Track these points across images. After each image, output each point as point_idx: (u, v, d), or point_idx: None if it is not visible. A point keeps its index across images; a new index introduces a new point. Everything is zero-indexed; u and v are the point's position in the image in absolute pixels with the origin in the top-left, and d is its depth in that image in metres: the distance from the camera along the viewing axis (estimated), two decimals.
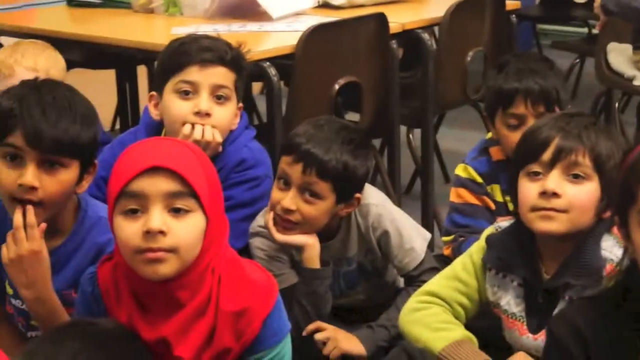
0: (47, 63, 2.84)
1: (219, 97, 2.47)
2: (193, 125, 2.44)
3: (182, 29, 3.22)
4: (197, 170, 1.79)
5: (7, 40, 4.19)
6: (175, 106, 2.46)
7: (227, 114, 2.49)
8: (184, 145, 1.89)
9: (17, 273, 2.07)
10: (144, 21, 3.72)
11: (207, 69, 2.45)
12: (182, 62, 2.46)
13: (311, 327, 2.35)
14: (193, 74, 2.45)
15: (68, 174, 2.06)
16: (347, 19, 3.27)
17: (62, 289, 2.13)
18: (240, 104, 2.55)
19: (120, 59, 4.27)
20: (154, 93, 2.55)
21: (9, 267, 2.08)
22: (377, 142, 3.87)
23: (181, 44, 2.52)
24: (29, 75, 2.60)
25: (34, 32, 3.73)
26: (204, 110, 2.44)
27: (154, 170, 1.74)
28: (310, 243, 2.33)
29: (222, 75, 2.47)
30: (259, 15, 3.44)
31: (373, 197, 2.43)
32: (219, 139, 2.46)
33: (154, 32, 3.61)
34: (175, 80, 2.46)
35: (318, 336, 2.34)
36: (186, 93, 2.46)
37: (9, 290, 2.22)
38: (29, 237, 2.04)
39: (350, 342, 2.35)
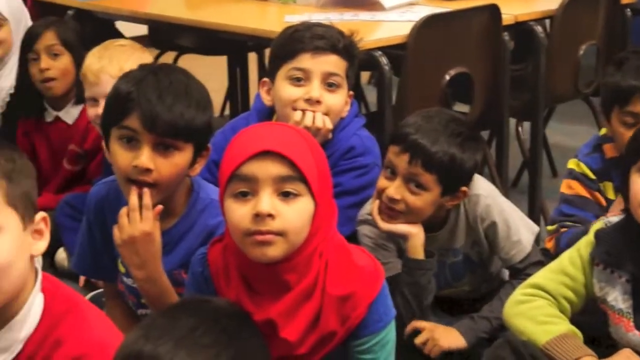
0: (134, 66, 2.82)
1: (330, 85, 2.49)
2: (304, 111, 2.47)
3: (295, 17, 3.24)
4: (307, 156, 1.81)
5: (122, 25, 4.31)
6: (287, 92, 2.49)
7: (337, 102, 2.51)
8: (295, 130, 1.92)
9: (129, 253, 2.13)
10: (257, 8, 3.76)
11: (319, 56, 2.48)
12: (295, 50, 2.49)
13: (409, 329, 2.36)
14: (305, 61, 2.48)
15: (182, 157, 2.11)
16: (459, 10, 3.26)
17: (172, 269, 2.18)
18: (351, 92, 2.57)
19: (232, 45, 4.33)
20: (266, 79, 2.59)
21: (121, 248, 2.14)
22: (485, 134, 3.84)
23: (294, 31, 2.54)
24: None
25: (148, 17, 3.81)
26: (315, 98, 2.46)
27: (265, 154, 1.77)
28: (414, 232, 2.34)
29: (333, 63, 2.49)
30: (371, 4, 3.44)
31: (482, 187, 2.42)
32: (329, 125, 2.48)
33: (266, 19, 3.65)
34: (288, 67, 2.50)
35: (417, 341, 2.34)
36: (298, 80, 2.48)
37: (121, 269, 2.28)
38: (143, 219, 2.09)
39: (449, 338, 2.35)
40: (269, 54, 2.66)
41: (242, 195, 1.79)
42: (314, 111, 2.46)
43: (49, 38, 3.33)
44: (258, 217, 1.76)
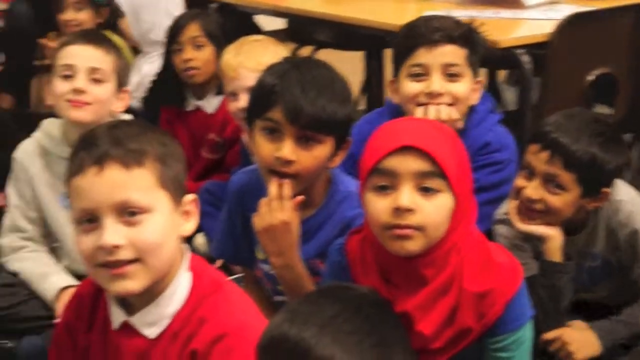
0: (270, 60, 2.82)
1: (451, 75, 2.47)
2: (427, 106, 2.46)
3: (434, 13, 3.24)
4: (447, 151, 1.81)
5: (261, 19, 4.39)
6: (408, 89, 2.50)
7: (461, 89, 2.49)
8: (436, 125, 1.92)
9: (268, 241, 2.17)
10: (396, 4, 3.78)
11: (435, 49, 2.46)
12: (411, 46, 2.49)
13: (544, 338, 2.32)
14: (422, 56, 2.47)
15: (323, 150, 2.14)
16: (604, 9, 3.20)
17: (309, 258, 2.21)
18: (480, 79, 2.55)
19: (369, 40, 4.35)
20: (393, 79, 2.60)
21: (260, 235, 2.18)
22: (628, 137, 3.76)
23: (410, 27, 2.54)
24: (253, 77, 2.58)
25: (287, 12, 3.87)
26: (436, 91, 2.45)
27: (406, 149, 1.78)
28: (552, 234, 2.31)
29: (451, 54, 2.47)
30: (512, 2, 3.41)
31: (625, 194, 2.37)
32: (456, 116, 2.47)
33: (405, 15, 3.64)
34: (408, 64, 2.50)
35: (551, 347, 2.31)
36: (418, 75, 2.48)
37: (259, 256, 2.33)
38: (282, 208, 2.14)
39: (584, 347, 2.30)
40: (392, 53, 2.67)
41: (382, 189, 1.81)
42: (437, 104, 2.46)
43: (194, 30, 3.41)
44: (398, 211, 1.78)
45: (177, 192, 1.67)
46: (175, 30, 3.45)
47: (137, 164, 1.62)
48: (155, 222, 1.62)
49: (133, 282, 1.62)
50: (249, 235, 2.29)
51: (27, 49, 4.73)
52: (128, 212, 1.60)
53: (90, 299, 1.79)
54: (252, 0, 3.95)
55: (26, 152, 2.70)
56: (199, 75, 3.41)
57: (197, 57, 3.39)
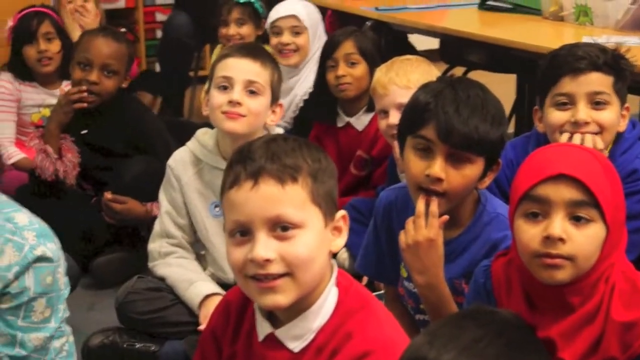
0: (421, 78, 2.81)
1: (597, 103, 2.42)
2: (572, 134, 2.42)
3: (591, 39, 3.19)
4: (602, 181, 1.78)
5: (414, 38, 4.41)
6: (554, 118, 2.46)
7: (608, 118, 2.43)
8: (591, 153, 1.88)
9: (412, 258, 2.18)
10: (552, 28, 3.74)
11: (580, 77, 2.42)
12: (555, 75, 2.45)
13: None
14: (567, 85, 2.43)
15: (473, 170, 2.14)
16: None
17: (453, 277, 2.21)
18: (627, 105, 2.49)
19: (523, 63, 4.30)
20: (537, 107, 2.57)
21: (405, 252, 2.19)
22: None
23: (554, 56, 2.50)
24: (403, 94, 2.69)
25: (442, 32, 3.88)
26: (582, 120, 2.41)
27: (560, 177, 1.75)
28: None
29: (597, 82, 2.42)
30: None
31: None
32: (600, 145, 2.41)
33: (561, 39, 3.61)
34: (553, 94, 2.46)
35: None
36: (563, 104, 2.44)
37: (403, 273, 2.33)
38: (428, 226, 2.14)
39: None
40: (537, 83, 2.63)
41: (533, 216, 1.79)
42: (583, 133, 2.41)
43: (348, 47, 3.46)
44: (548, 239, 1.75)
45: (328, 208, 1.69)
46: (331, 47, 3.50)
47: (292, 180, 1.64)
48: (306, 237, 1.64)
49: (282, 297, 1.64)
50: (394, 252, 2.30)
51: (183, 59, 4.88)
52: (280, 227, 1.63)
53: (238, 309, 1.82)
54: (408, 19, 3.97)
55: (179, 160, 2.77)
56: (350, 91, 3.44)
57: (350, 73, 3.43)
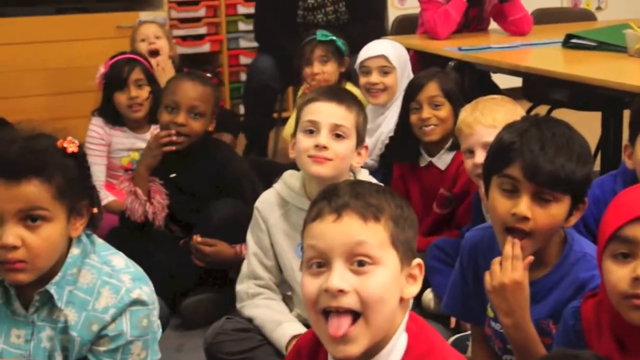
0: (506, 117, 2.80)
1: None
2: None
3: None
4: None
5: (497, 77, 4.41)
6: None
7: None
8: None
9: (498, 300, 2.17)
10: (638, 66, 3.70)
11: None
12: None
13: None
14: None
15: (559, 209, 2.12)
16: None
17: (540, 318, 2.19)
18: None
19: (608, 101, 4.27)
20: (627, 144, 2.54)
21: (491, 294, 2.18)
22: None
23: None
24: (489, 133, 2.67)
25: (525, 70, 3.87)
26: None
27: None
28: None
29: None
30: None
31: None
32: None
33: None
34: None
35: None
36: None
37: (490, 313, 2.32)
38: (513, 268, 2.13)
39: None
40: (629, 118, 2.61)
41: (622, 257, 1.78)
42: None
43: (432, 89, 3.47)
44: (637, 280, 1.74)
45: (406, 255, 1.68)
46: (414, 89, 3.52)
47: (374, 219, 1.65)
48: (381, 275, 1.63)
49: (354, 346, 1.62)
50: (480, 292, 2.29)
51: (267, 101, 4.94)
52: (358, 261, 1.63)
53: (309, 354, 1.81)
54: (491, 59, 3.97)
55: (266, 202, 2.80)
56: (436, 134, 3.45)
57: (435, 115, 3.45)
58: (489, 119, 2.87)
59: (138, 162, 3.52)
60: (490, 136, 2.49)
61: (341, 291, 1.61)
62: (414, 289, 1.70)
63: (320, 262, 1.65)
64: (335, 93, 2.74)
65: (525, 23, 4.69)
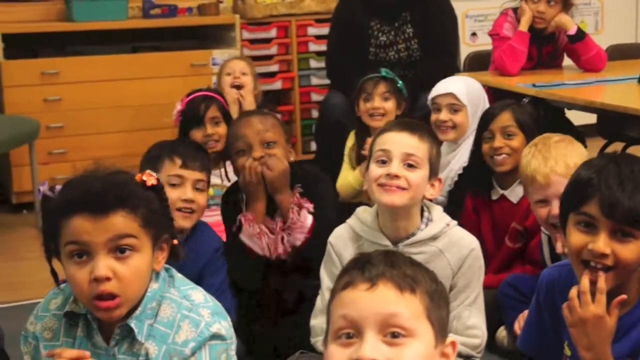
0: (578, 161, 2.75)
1: None
2: None
3: None
4: None
5: (572, 113, 4.38)
6: None
7: None
8: None
9: (579, 334, 2.15)
10: None
11: None
12: None
13: None
14: None
15: (638, 245, 2.10)
16: None
17: (620, 357, 2.16)
18: None
19: None
20: None
21: (571, 328, 2.16)
22: None
23: None
24: (564, 183, 2.45)
25: (600, 107, 3.85)
26: None
27: None
28: None
29: None
30: None
31: None
32: None
33: None
34: None
35: None
36: None
37: (567, 352, 2.29)
38: (595, 302, 2.11)
39: None
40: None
41: None
42: None
43: (505, 119, 3.48)
44: None
45: (440, 331, 1.64)
46: (488, 119, 3.52)
47: (410, 290, 1.61)
48: (416, 348, 1.58)
49: None
50: (557, 330, 2.27)
51: (339, 138, 4.96)
52: (391, 333, 1.57)
53: None
54: (566, 96, 3.96)
55: (340, 237, 2.81)
56: (507, 164, 3.45)
57: (507, 144, 3.44)
58: (562, 167, 2.90)
59: (249, 202, 3.41)
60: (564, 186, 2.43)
61: None
62: None
63: (350, 333, 1.59)
64: (408, 124, 2.75)
65: (599, 60, 4.67)
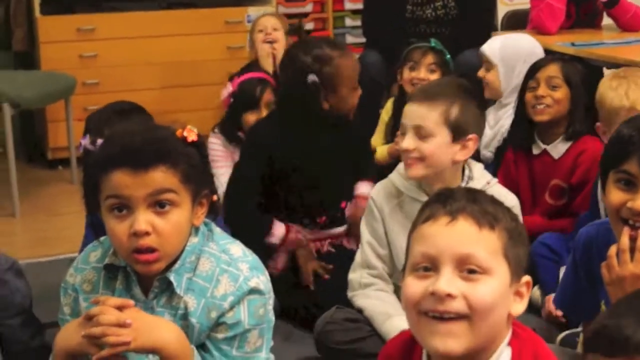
0: None
1: None
2: None
3: None
4: None
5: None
6: None
7: None
8: None
9: (616, 293, 2.12)
10: None
11: None
12: None
13: None
14: None
15: None
16: None
17: None
18: None
19: None
20: None
21: (609, 286, 2.14)
22: None
23: None
24: None
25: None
26: None
27: None
28: None
29: None
30: None
31: None
32: None
33: None
34: None
35: None
36: None
37: (603, 310, 2.28)
38: (634, 260, 2.09)
39: None
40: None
41: None
42: None
43: (552, 70, 3.47)
44: None
45: (516, 269, 1.65)
46: (535, 68, 3.50)
47: (490, 227, 1.62)
48: (491, 284, 1.60)
49: (455, 342, 1.59)
50: (594, 289, 2.26)
51: (374, 97, 4.94)
52: (468, 270, 1.60)
53: (401, 358, 1.77)
54: (605, 55, 3.95)
55: (381, 192, 2.83)
56: (546, 114, 3.43)
57: (550, 95, 3.42)
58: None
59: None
60: None
61: (449, 295, 1.58)
62: (520, 307, 1.68)
63: (427, 267, 1.63)
64: (420, 92, 2.77)
65: (637, 21, 4.63)
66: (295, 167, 3.29)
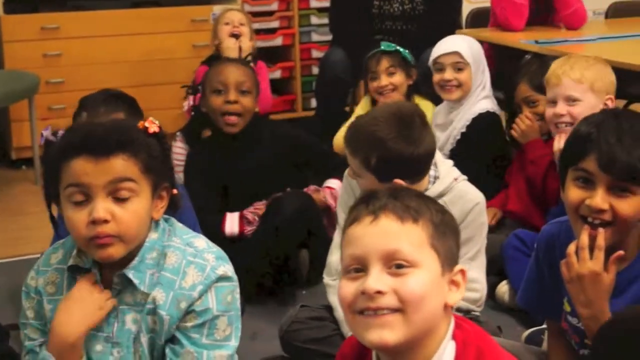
0: (593, 76, 3.02)
1: None
2: None
3: None
4: None
5: None
6: None
7: None
8: None
9: (576, 291, 2.16)
10: None
11: None
12: None
13: None
14: None
15: (637, 201, 2.09)
16: None
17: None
18: None
19: None
20: None
21: (569, 284, 2.17)
22: None
23: None
24: (575, 87, 3.00)
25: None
26: None
27: None
28: None
29: None
30: None
31: None
32: None
33: None
34: None
35: None
36: None
37: (567, 308, 2.29)
38: (593, 258, 2.12)
39: None
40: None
41: None
42: None
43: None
44: None
45: (447, 260, 1.66)
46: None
47: (412, 220, 1.64)
48: (420, 276, 1.61)
49: (390, 333, 1.60)
50: (557, 286, 2.28)
51: (339, 95, 4.95)
52: (395, 265, 1.61)
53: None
54: (568, 52, 3.91)
55: None
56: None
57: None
58: (577, 74, 3.04)
59: None
60: (574, 91, 2.98)
61: (379, 292, 1.60)
62: (456, 295, 1.68)
63: (357, 268, 1.64)
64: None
65: (576, 19, 4.65)
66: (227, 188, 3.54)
